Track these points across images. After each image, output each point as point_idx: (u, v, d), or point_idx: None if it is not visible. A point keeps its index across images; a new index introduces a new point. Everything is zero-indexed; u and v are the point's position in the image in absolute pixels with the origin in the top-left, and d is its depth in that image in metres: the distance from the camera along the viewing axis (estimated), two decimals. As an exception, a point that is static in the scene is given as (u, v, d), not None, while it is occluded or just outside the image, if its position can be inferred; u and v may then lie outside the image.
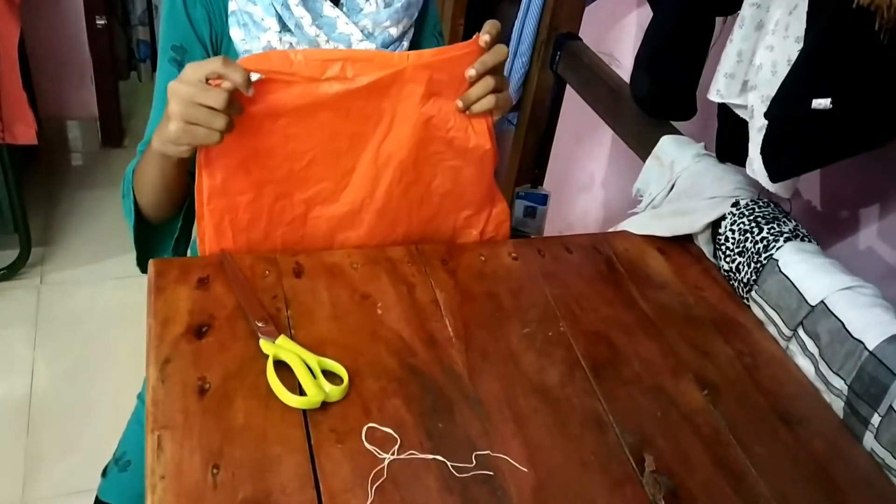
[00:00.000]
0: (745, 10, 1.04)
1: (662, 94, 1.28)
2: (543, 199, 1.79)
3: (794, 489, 0.83)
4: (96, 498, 1.27)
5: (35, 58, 2.59)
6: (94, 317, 2.22)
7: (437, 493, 0.75)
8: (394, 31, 1.11)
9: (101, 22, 2.56)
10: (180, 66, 1.07)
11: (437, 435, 0.81)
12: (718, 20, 1.19)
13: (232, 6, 1.07)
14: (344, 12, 1.08)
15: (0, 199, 2.13)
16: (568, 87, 1.69)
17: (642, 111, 1.34)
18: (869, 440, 0.89)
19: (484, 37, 0.95)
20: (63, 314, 2.22)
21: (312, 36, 1.05)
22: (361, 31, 1.08)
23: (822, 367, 0.94)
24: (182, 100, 0.85)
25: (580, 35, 1.68)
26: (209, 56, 1.09)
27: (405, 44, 1.14)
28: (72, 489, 1.75)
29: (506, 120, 1.98)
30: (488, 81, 0.98)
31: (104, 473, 1.27)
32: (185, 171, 1.04)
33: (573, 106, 1.74)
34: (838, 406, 0.93)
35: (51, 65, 2.68)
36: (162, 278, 0.95)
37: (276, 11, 1.05)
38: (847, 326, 0.92)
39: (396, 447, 0.79)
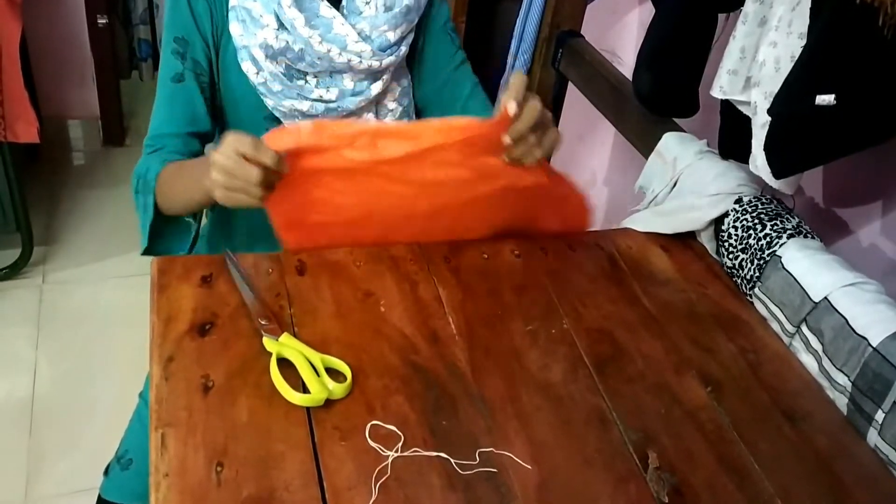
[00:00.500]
0: (748, 7, 1.04)
1: (665, 91, 1.27)
2: (545, 197, 1.79)
3: (798, 486, 0.83)
4: (99, 496, 1.27)
5: (36, 57, 2.59)
6: (96, 316, 2.22)
7: (441, 490, 0.75)
8: (391, 36, 1.10)
9: (102, 21, 2.56)
10: (183, 57, 1.08)
11: (441, 432, 0.81)
12: (721, 17, 1.18)
13: (232, 1, 1.07)
14: (343, 14, 1.08)
15: (2, 199, 2.13)
16: (570, 84, 1.69)
17: (645, 108, 1.34)
18: (873, 437, 0.89)
19: (510, 106, 0.88)
20: (65, 313, 2.22)
21: (306, 37, 1.05)
22: (358, 34, 1.08)
23: (826, 363, 0.94)
24: (222, 171, 0.88)
25: (582, 32, 1.68)
26: (209, 49, 1.10)
27: (403, 48, 1.13)
28: (74, 488, 1.75)
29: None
30: (528, 140, 0.92)
31: (106, 472, 1.28)
32: None
33: (575, 104, 1.74)
34: (842, 402, 0.93)
35: (52, 64, 2.68)
36: (165, 276, 0.95)
37: (275, 9, 1.05)
38: (851, 323, 0.92)
39: (400, 444, 0.78)
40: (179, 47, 1.08)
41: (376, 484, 0.74)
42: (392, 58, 1.12)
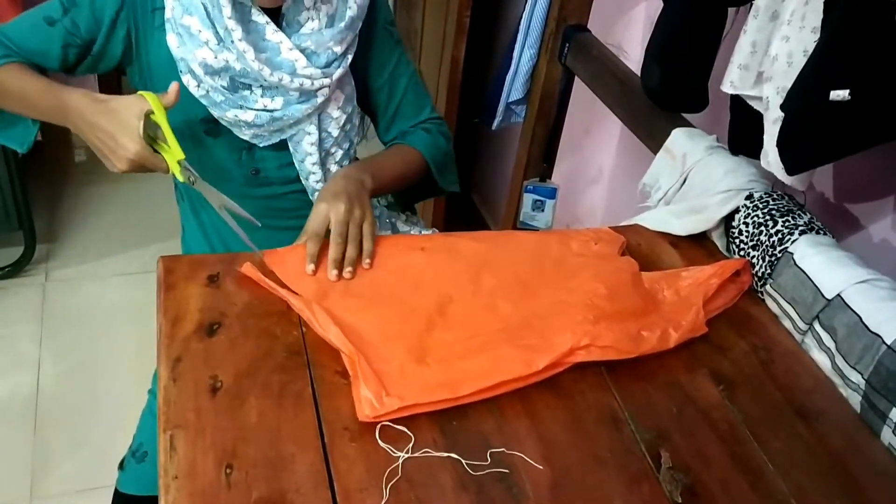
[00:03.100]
0: (760, 1, 1.03)
1: (674, 85, 1.26)
2: (552, 193, 1.78)
3: (812, 484, 0.82)
4: (115, 490, 1.27)
5: (38, 53, 2.58)
6: (99, 313, 2.22)
7: (453, 491, 0.74)
8: (338, 49, 1.11)
9: (103, 17, 2.55)
10: (65, 12, 1.06)
11: (451, 432, 0.80)
12: (731, 10, 1.17)
13: (167, 13, 1.06)
14: (283, 29, 1.08)
15: (4, 197, 2.13)
16: (576, 79, 1.67)
17: (653, 103, 1.32)
18: (887, 434, 0.88)
19: (308, 269, 0.96)
20: (68, 311, 2.22)
21: (257, 70, 1.05)
22: (303, 52, 1.08)
23: (839, 361, 0.93)
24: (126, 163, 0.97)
25: (588, 27, 1.66)
26: (97, 24, 1.07)
27: (348, 57, 1.14)
28: (80, 486, 1.75)
29: (514, 113, 1.97)
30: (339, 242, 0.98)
31: (121, 466, 1.28)
32: None
33: (582, 99, 1.73)
34: (855, 400, 0.92)
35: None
36: (171, 276, 0.94)
37: (213, 24, 1.04)
38: (864, 320, 0.91)
39: (410, 445, 0.78)
40: (66, 3, 1.07)
41: (387, 485, 0.73)
42: (340, 69, 1.13)
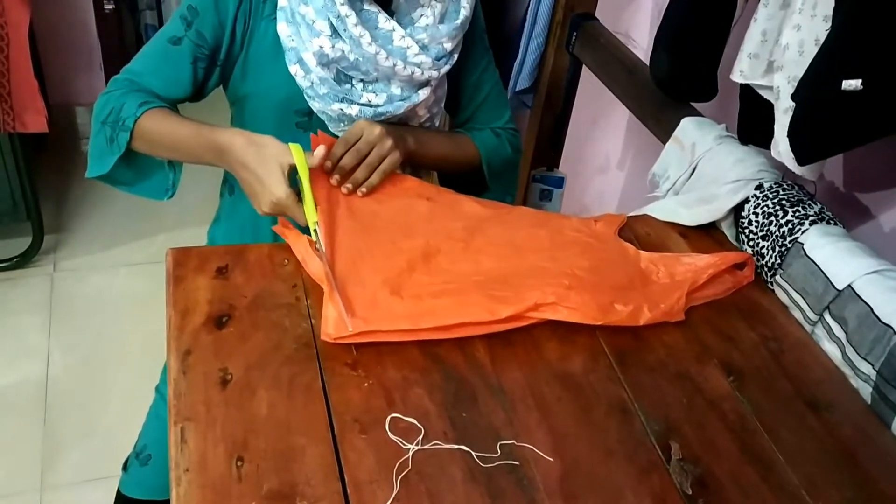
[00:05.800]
0: (770, -12, 1.02)
1: (683, 74, 1.25)
2: (559, 182, 1.77)
3: (822, 475, 0.82)
4: (118, 492, 1.27)
5: (44, 44, 2.58)
6: (107, 303, 2.23)
7: (463, 483, 0.75)
8: (448, 46, 1.12)
9: (109, 7, 2.55)
10: (188, 26, 1.07)
11: (461, 424, 0.80)
12: (740, -1, 1.16)
13: (282, 2, 1.07)
14: (395, 20, 1.08)
15: (12, 188, 2.13)
16: (584, 68, 1.66)
17: (662, 92, 1.32)
18: (898, 426, 0.88)
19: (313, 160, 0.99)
20: (77, 301, 2.22)
21: (372, 53, 1.06)
22: (417, 44, 1.08)
23: (850, 351, 0.93)
24: (270, 206, 0.97)
25: (596, 15, 1.65)
26: (223, 31, 1.08)
27: (455, 55, 1.15)
28: (90, 476, 1.76)
29: (521, 102, 1.96)
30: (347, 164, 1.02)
31: (125, 467, 1.27)
32: None
33: (589, 87, 1.72)
34: (866, 391, 0.92)
35: (60, 51, 2.67)
36: (180, 268, 0.94)
37: (329, 16, 1.04)
38: (875, 311, 0.90)
39: (420, 437, 0.78)
40: (189, 16, 1.07)
41: (398, 477, 0.74)
42: (447, 66, 1.14)
